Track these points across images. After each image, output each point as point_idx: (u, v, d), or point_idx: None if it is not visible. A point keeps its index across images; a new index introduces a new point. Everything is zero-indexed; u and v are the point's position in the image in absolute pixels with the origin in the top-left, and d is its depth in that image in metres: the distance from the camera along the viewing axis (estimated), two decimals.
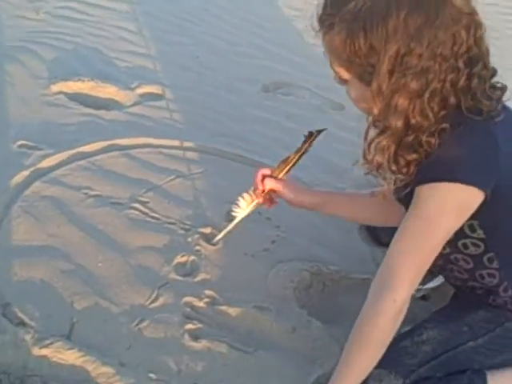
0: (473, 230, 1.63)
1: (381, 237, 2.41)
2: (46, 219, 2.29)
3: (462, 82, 1.44)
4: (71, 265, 2.11)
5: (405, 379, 1.72)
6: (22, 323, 1.85)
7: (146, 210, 2.43)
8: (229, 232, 2.18)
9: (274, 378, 1.85)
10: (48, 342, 1.80)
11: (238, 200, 2.10)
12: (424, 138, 1.48)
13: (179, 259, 2.22)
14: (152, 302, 2.03)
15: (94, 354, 1.80)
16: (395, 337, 1.76)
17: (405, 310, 1.55)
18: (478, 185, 1.48)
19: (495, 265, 1.69)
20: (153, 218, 2.40)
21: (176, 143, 2.87)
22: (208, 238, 2.34)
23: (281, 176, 2.05)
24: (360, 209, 2.09)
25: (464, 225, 1.59)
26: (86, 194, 2.46)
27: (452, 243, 1.65)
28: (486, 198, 1.51)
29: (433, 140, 1.48)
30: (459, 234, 1.61)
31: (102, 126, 2.93)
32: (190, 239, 2.32)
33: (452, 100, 1.46)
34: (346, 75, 1.53)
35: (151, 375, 1.77)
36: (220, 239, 2.24)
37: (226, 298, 2.09)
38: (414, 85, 1.41)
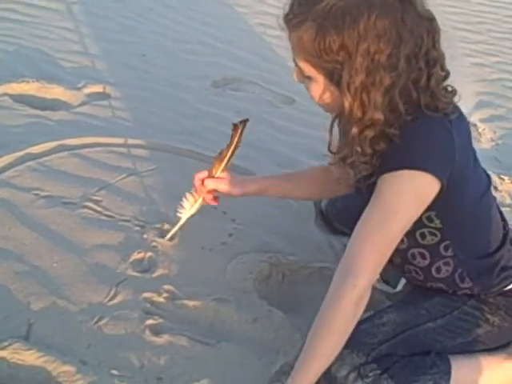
0: (430, 220, 1.69)
1: (336, 225, 2.44)
2: None
3: (422, 81, 1.52)
4: (25, 266, 2.07)
5: (367, 357, 1.74)
6: None
7: (99, 209, 2.39)
8: (174, 234, 2.26)
9: (238, 369, 1.84)
10: (5, 343, 1.75)
11: (181, 201, 2.14)
12: (391, 130, 1.54)
13: (136, 256, 2.19)
14: (110, 299, 2.00)
15: (54, 353, 1.76)
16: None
17: (367, 297, 1.58)
18: (436, 173, 1.54)
19: (450, 252, 1.75)
20: (106, 216, 2.37)
21: (127, 141, 2.83)
22: (163, 234, 2.31)
23: (218, 174, 2.06)
24: (301, 187, 2.17)
25: (422, 216, 1.64)
26: (36, 194, 2.41)
27: (410, 234, 1.69)
28: (442, 188, 1.57)
29: (396, 132, 1.54)
30: (418, 224, 1.66)
31: (50, 126, 2.88)
32: (145, 236, 2.29)
33: (414, 96, 1.53)
34: (311, 72, 1.57)
35: (114, 372, 1.74)
36: (168, 239, 2.28)
37: (186, 292, 2.07)
38: (387, 80, 1.48)
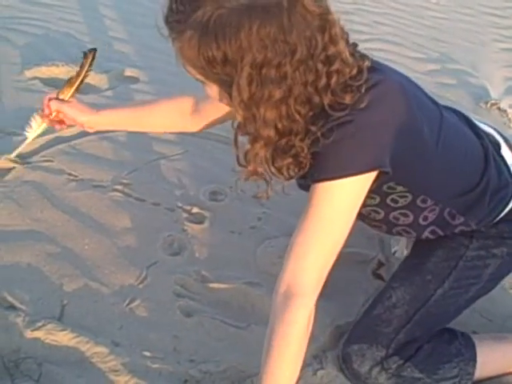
0: (393, 188, 1.62)
1: None
2: (28, 204, 2.26)
3: (322, 82, 1.38)
4: (57, 248, 2.09)
5: (387, 349, 1.74)
6: (12, 307, 1.82)
7: (129, 192, 2.40)
8: (20, 153, 2.42)
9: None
10: (40, 324, 1.77)
11: (29, 121, 2.20)
12: (297, 141, 1.44)
13: (166, 239, 2.20)
14: (142, 281, 2.01)
15: (87, 334, 1.78)
16: (368, 305, 1.81)
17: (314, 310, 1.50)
18: (367, 168, 1.45)
19: (429, 202, 1.68)
20: (136, 199, 2.38)
21: None
22: (193, 218, 2.33)
23: (67, 98, 2.06)
24: (162, 116, 2.03)
25: (382, 187, 1.59)
26: (67, 178, 2.43)
27: (382, 203, 1.66)
28: (384, 171, 1.48)
29: (306, 141, 1.44)
30: (382, 194, 1.62)
31: None
32: (175, 219, 2.30)
33: (316, 99, 1.41)
34: (202, 78, 1.42)
35: (146, 353, 1.76)
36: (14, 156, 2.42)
37: (216, 275, 2.08)
38: (277, 94, 1.35)
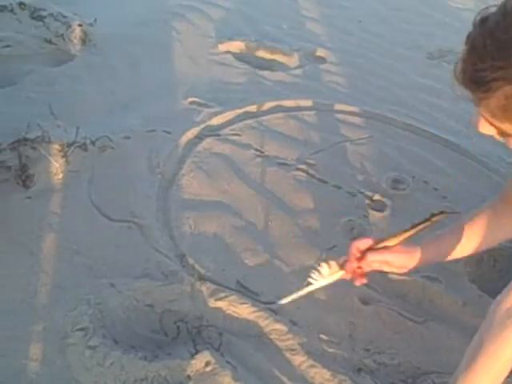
0: None
1: None
2: (216, 175, 2.33)
3: None
4: (242, 221, 2.15)
5: None
6: (199, 275, 1.89)
7: (312, 172, 2.42)
8: (296, 298, 1.71)
9: (445, 353, 1.81)
10: (223, 294, 1.83)
11: (320, 265, 1.68)
12: None
13: (346, 223, 2.21)
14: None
15: (266, 310, 1.82)
16: None
17: None
18: None
19: None
20: (319, 180, 2.39)
21: (342, 107, 2.84)
22: (374, 205, 2.31)
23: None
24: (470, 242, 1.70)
25: None
26: (254, 153, 2.48)
27: None
28: None
29: None
30: None
31: (268, 86, 2.94)
32: (356, 204, 2.30)
33: None
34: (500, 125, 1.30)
35: (322, 336, 1.78)
36: (284, 304, 1.73)
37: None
38: None
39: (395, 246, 1.64)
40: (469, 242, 1.68)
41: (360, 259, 1.63)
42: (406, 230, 1.67)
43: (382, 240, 1.66)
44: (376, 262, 1.63)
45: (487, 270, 2.14)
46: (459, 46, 3.62)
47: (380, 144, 2.64)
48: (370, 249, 1.64)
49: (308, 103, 2.84)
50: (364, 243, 1.64)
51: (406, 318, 1.88)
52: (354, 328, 1.83)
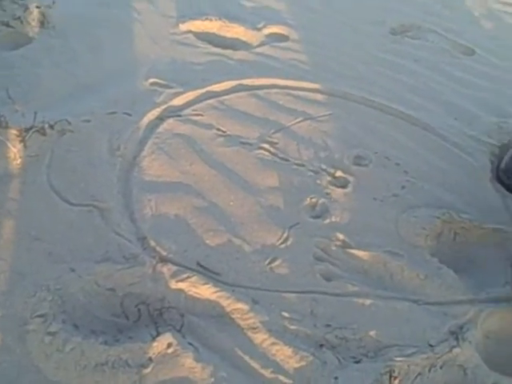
0: None
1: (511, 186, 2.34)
2: (178, 156, 2.32)
3: None
4: (204, 202, 2.14)
5: None
6: (160, 257, 1.89)
7: (274, 151, 2.42)
8: None
9: (406, 325, 1.84)
10: (184, 275, 1.84)
11: None
12: None
13: (309, 201, 2.21)
14: (283, 241, 2.04)
15: (228, 290, 1.83)
16: None
17: None
18: None
19: None
20: (281, 158, 2.39)
21: (304, 85, 2.83)
22: (337, 181, 2.32)
23: None
24: None
25: None
26: (215, 132, 2.47)
27: None
28: None
29: None
30: None
31: (230, 65, 2.92)
32: (319, 181, 2.30)
33: None
34: None
35: (284, 314, 1.79)
36: None
37: (356, 241, 2.07)
38: None
39: None
40: None
41: None
42: None
43: None
44: None
45: (447, 243, 2.17)
46: (421, 22, 3.64)
47: (342, 121, 2.64)
48: None
49: (270, 81, 2.82)
50: None
51: (367, 293, 1.90)
52: (315, 304, 1.84)
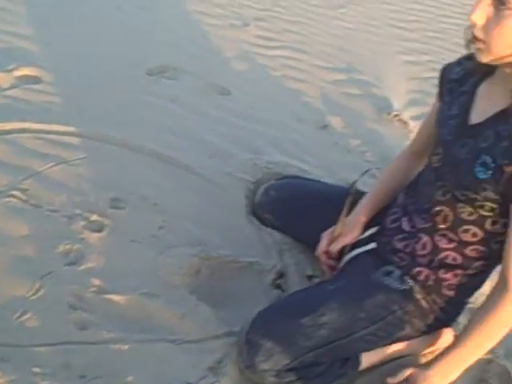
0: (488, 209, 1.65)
1: (266, 216, 2.45)
2: None
3: None
4: None
5: (292, 360, 1.75)
6: None
7: (25, 198, 2.32)
8: None
9: (164, 367, 1.83)
10: None
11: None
12: None
13: (63, 248, 2.14)
14: (35, 293, 1.94)
15: None
16: (298, 307, 1.85)
17: None
18: None
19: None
20: (33, 205, 2.30)
21: (56, 128, 2.76)
22: (92, 226, 2.27)
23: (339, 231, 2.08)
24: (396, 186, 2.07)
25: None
26: None
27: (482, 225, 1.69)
28: None
29: None
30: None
31: None
32: (73, 227, 2.24)
33: None
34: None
35: (35, 369, 1.70)
36: None
37: (113, 286, 2.04)
38: None
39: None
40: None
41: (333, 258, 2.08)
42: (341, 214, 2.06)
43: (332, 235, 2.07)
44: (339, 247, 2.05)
45: (205, 280, 2.20)
46: (177, 63, 3.70)
47: (97, 163, 2.60)
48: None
49: (20, 125, 2.72)
50: (323, 246, 2.08)
51: (124, 338, 1.87)
52: (69, 356, 1.77)
